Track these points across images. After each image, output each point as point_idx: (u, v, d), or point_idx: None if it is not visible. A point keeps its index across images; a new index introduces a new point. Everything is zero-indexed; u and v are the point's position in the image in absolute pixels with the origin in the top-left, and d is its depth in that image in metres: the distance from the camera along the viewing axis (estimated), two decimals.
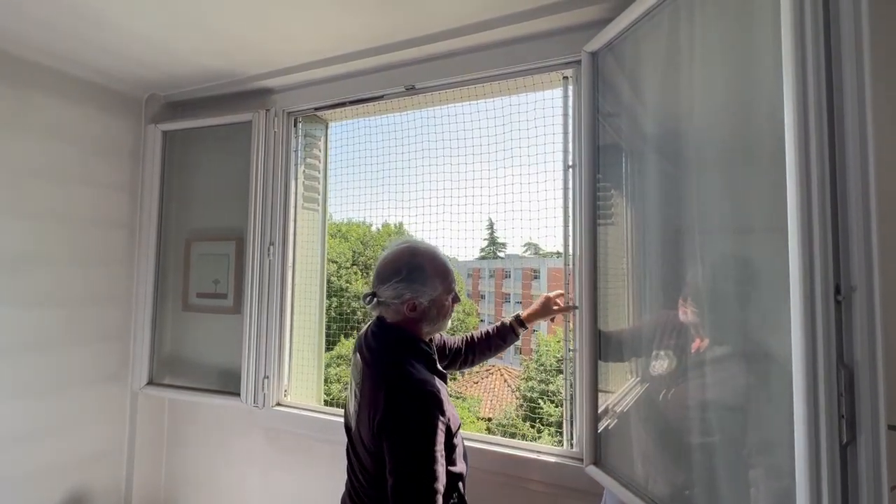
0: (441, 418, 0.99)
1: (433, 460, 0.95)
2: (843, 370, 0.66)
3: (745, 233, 0.95)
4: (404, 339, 1.12)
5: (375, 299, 1.13)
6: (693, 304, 1.03)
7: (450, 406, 1.06)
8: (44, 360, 1.82)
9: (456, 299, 1.19)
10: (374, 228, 10.70)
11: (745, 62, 0.97)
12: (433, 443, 0.96)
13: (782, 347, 0.74)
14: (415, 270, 1.10)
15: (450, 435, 1.04)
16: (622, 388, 1.33)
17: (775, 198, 0.77)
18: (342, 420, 1.73)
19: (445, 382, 1.18)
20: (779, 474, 0.80)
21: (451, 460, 1.05)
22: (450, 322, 1.21)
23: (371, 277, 1.16)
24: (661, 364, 1.13)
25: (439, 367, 1.17)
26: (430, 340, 1.20)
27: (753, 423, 0.90)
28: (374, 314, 1.16)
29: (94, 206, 1.98)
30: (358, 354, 1.16)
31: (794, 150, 0.71)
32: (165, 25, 1.55)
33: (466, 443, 1.53)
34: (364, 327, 1.21)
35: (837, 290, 0.67)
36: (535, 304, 1.49)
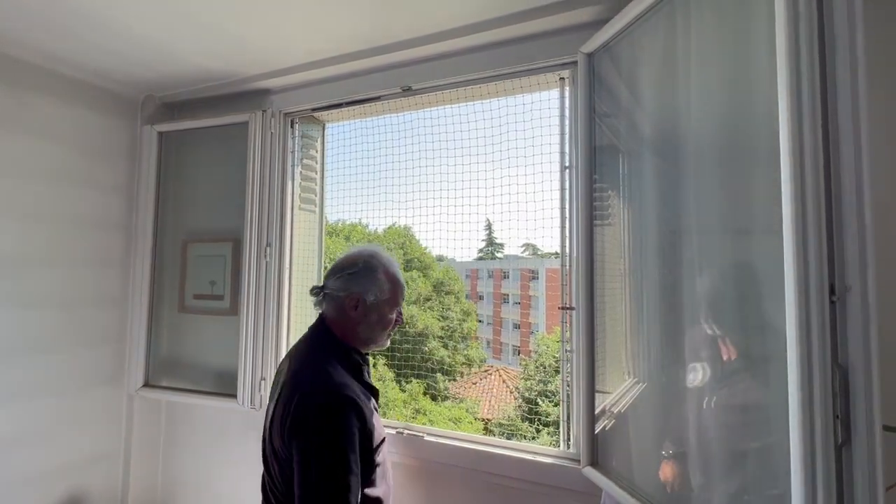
0: (357, 425, 0.93)
1: (347, 470, 0.88)
2: (837, 370, 0.66)
3: (740, 233, 0.95)
4: (335, 344, 1.09)
5: (322, 292, 1.12)
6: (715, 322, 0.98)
7: (374, 419, 1.01)
8: (39, 362, 1.80)
9: (400, 317, 1.18)
10: (371, 229, 10.71)
11: (741, 63, 0.97)
12: (347, 450, 0.90)
13: (779, 347, 0.74)
14: (368, 269, 1.11)
15: (369, 450, 0.98)
16: (619, 389, 1.33)
17: (770, 198, 0.77)
18: None
19: (376, 398, 1.13)
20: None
21: (369, 480, 0.98)
22: (388, 341, 1.19)
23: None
24: (695, 376, 1.07)
25: (368, 378, 1.12)
26: (366, 354, 1.16)
27: (767, 424, 0.90)
28: (318, 310, 1.15)
29: (89, 208, 1.97)
30: (286, 360, 1.13)
31: (788, 150, 0.72)
32: (162, 26, 1.55)
33: (461, 444, 1.53)
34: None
35: (832, 291, 0.67)
36: None
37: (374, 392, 1.12)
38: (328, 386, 0.97)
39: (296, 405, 0.94)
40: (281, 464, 0.97)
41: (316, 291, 1.13)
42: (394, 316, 1.15)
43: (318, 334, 1.11)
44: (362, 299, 1.09)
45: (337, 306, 1.10)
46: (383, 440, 1.06)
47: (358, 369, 1.09)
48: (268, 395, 1.86)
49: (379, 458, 1.03)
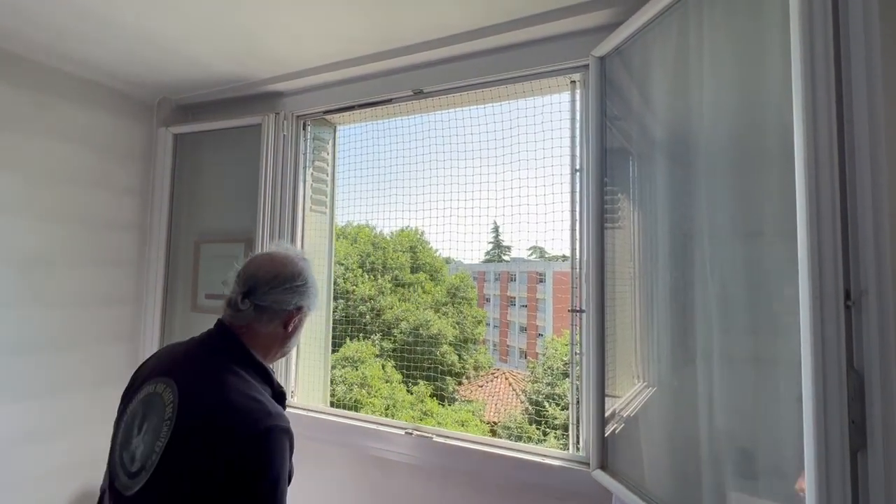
0: (288, 462, 0.84)
1: None
2: (853, 375, 0.65)
3: (754, 237, 0.95)
4: (249, 358, 0.91)
5: (253, 303, 0.92)
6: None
7: None
8: (54, 359, 1.84)
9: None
10: (378, 231, 10.78)
11: (754, 65, 0.97)
12: (284, 494, 0.81)
13: (794, 351, 0.74)
14: (312, 281, 1.00)
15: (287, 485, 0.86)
16: (629, 393, 1.33)
17: (785, 201, 0.77)
18: (349, 422, 1.74)
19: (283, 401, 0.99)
20: None
21: None
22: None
23: (241, 277, 0.97)
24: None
25: (287, 402, 1.01)
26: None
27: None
28: (234, 320, 0.94)
29: (105, 208, 2.01)
30: (163, 380, 0.86)
31: (803, 152, 0.71)
32: (178, 30, 1.58)
33: (470, 445, 1.54)
34: (168, 346, 1.01)
35: (847, 295, 0.67)
36: None
37: (282, 396, 0.96)
38: (264, 417, 0.80)
39: (227, 443, 0.76)
40: None
41: (244, 304, 0.91)
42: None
43: (229, 347, 0.91)
44: (304, 315, 1.00)
45: (276, 321, 0.95)
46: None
47: (280, 395, 0.95)
48: None
49: None
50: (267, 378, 0.93)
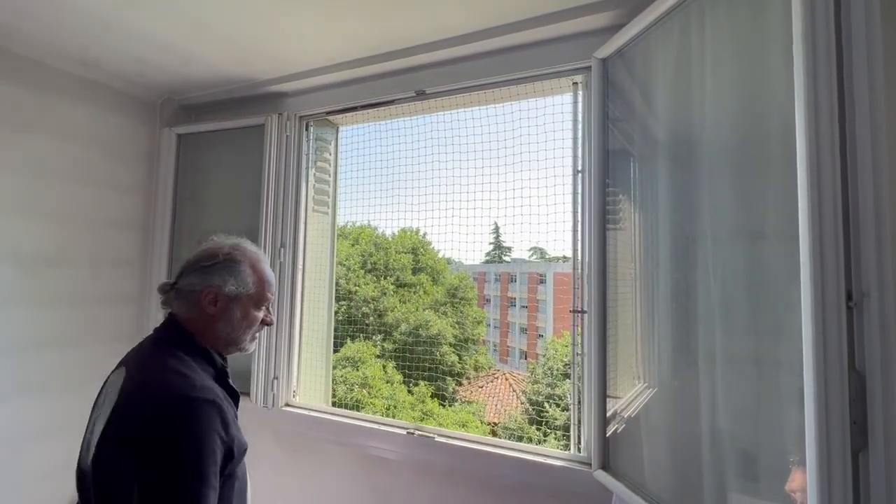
0: (221, 433, 0.83)
1: (207, 485, 0.78)
2: (854, 376, 0.66)
3: (756, 238, 0.95)
4: (192, 344, 0.95)
5: (172, 289, 0.98)
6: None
7: (236, 428, 0.90)
8: (56, 358, 1.85)
9: (268, 317, 1.06)
10: (380, 231, 10.77)
11: (757, 67, 0.97)
12: (208, 463, 0.79)
13: (795, 352, 0.74)
14: (230, 261, 0.99)
15: (228, 462, 0.86)
16: (630, 394, 1.33)
17: (787, 202, 0.77)
18: (351, 422, 1.75)
19: (237, 404, 1.00)
20: None
21: (222, 495, 0.85)
22: (253, 345, 1.06)
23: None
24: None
25: (231, 382, 0.99)
26: (224, 358, 1.02)
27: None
28: (166, 309, 1.00)
29: (109, 208, 2.02)
30: (119, 369, 0.94)
31: (805, 154, 0.72)
32: (181, 30, 1.59)
33: (471, 445, 1.54)
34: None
35: (849, 297, 0.67)
36: None
37: (236, 398, 1.00)
38: (185, 388, 0.83)
39: (149, 415, 0.80)
40: (113, 494, 0.81)
41: (166, 288, 0.98)
42: (261, 315, 1.03)
43: (171, 334, 0.97)
44: (221, 293, 0.97)
45: (191, 304, 0.97)
46: (244, 451, 0.93)
47: (223, 373, 0.98)
48: (280, 394, 1.88)
49: (238, 471, 0.92)
50: (209, 359, 0.97)
